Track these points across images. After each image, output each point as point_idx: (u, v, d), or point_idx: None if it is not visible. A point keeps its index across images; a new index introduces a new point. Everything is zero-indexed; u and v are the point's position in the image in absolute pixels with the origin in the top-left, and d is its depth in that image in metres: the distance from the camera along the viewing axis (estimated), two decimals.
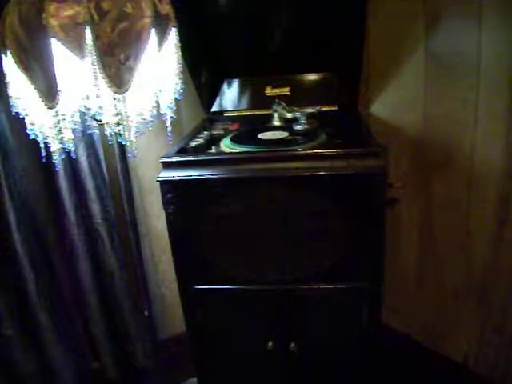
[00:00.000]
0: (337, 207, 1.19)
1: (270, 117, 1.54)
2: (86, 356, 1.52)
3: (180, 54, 1.22)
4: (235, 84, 1.68)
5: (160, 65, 1.09)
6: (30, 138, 1.08)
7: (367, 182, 1.16)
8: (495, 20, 1.31)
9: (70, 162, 1.35)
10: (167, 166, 1.21)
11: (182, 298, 1.33)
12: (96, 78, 0.96)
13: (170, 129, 1.19)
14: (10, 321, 1.36)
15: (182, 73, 1.23)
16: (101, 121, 1.07)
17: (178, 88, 1.22)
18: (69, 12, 0.94)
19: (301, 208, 1.21)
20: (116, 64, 0.99)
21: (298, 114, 1.39)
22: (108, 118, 1.04)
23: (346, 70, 1.54)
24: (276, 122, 1.53)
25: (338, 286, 1.27)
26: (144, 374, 1.56)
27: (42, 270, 1.37)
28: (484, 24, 1.32)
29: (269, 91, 1.65)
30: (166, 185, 1.21)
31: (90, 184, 1.39)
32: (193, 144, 1.35)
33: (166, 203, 1.23)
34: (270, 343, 1.35)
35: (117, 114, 1.03)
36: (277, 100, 1.54)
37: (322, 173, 1.15)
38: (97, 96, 0.98)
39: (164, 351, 1.64)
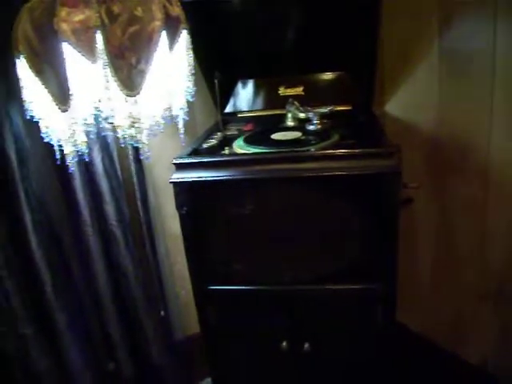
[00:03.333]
0: (350, 208, 1.18)
1: (283, 117, 1.54)
2: (102, 356, 1.54)
3: (191, 55, 1.23)
4: (249, 84, 1.68)
5: (171, 67, 1.09)
6: (45, 141, 1.09)
7: (381, 183, 1.14)
8: (511, 17, 1.28)
9: (85, 164, 1.37)
10: (180, 167, 1.22)
11: (196, 297, 1.33)
12: (107, 81, 0.97)
13: (182, 130, 1.20)
14: (27, 320, 1.38)
15: (193, 74, 1.24)
16: (113, 123, 1.08)
17: (190, 90, 1.23)
18: (80, 17, 0.95)
19: (314, 209, 1.20)
20: (128, 67, 1.00)
21: (310, 114, 1.38)
22: (120, 120, 1.05)
23: (361, 69, 1.52)
24: (290, 123, 1.53)
25: (352, 286, 1.26)
26: (160, 374, 1.57)
27: (58, 271, 1.39)
28: (499, 22, 1.29)
29: (282, 91, 1.64)
30: (178, 186, 1.22)
31: (104, 186, 1.40)
32: (206, 145, 1.35)
33: (179, 204, 1.23)
34: (284, 343, 1.34)
35: (129, 116, 1.03)
36: (290, 100, 1.53)
37: (334, 173, 1.14)
38: (108, 99, 0.99)
39: (180, 351, 1.65)
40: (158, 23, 1.02)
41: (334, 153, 1.17)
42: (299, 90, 1.63)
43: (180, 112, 1.16)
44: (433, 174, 1.60)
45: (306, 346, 1.33)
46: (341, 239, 1.22)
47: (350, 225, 1.20)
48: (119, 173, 1.38)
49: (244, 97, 1.68)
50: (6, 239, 1.30)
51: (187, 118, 1.19)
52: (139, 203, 1.44)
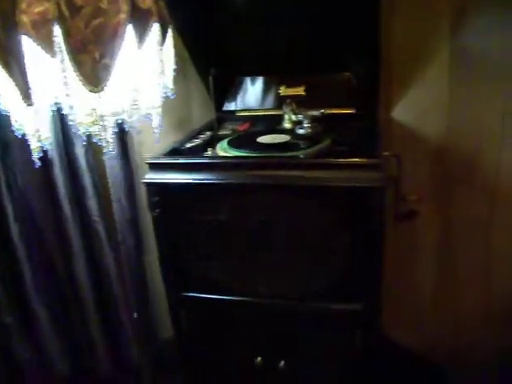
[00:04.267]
0: (332, 221, 1.10)
1: (281, 118, 1.46)
2: (82, 352, 1.53)
3: (172, 51, 1.17)
4: (248, 82, 1.60)
5: (142, 62, 1.04)
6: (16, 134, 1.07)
7: (364, 197, 1.04)
8: None
9: (68, 158, 1.35)
10: (154, 167, 1.16)
11: (169, 303, 1.29)
12: (65, 77, 0.93)
13: (158, 130, 1.15)
14: (9, 309, 1.39)
15: (174, 70, 1.19)
16: (75, 120, 1.04)
17: (170, 87, 1.18)
18: (39, 8, 0.91)
19: (294, 219, 1.12)
20: (91, 62, 0.95)
21: (301, 117, 1.29)
22: (82, 117, 1.01)
23: (364, 70, 1.41)
24: (287, 124, 1.44)
25: (330, 305, 1.17)
26: (139, 374, 1.54)
27: (39, 265, 1.39)
28: None
29: (283, 91, 1.56)
30: (151, 187, 1.17)
31: (87, 180, 1.37)
32: (189, 145, 1.29)
33: (151, 206, 1.18)
34: (259, 359, 1.27)
35: (91, 113, 0.99)
36: (288, 100, 1.45)
37: (314, 183, 1.06)
38: (67, 95, 0.95)
39: (161, 353, 1.62)
40: (123, 16, 0.96)
41: (314, 161, 1.08)
42: (300, 91, 1.53)
43: (154, 111, 1.11)
44: (437, 186, 1.48)
45: (282, 363, 1.26)
46: (321, 254, 1.13)
47: (331, 239, 1.11)
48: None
49: (243, 95, 1.61)
50: None
51: (160, 116, 1.14)
52: (124, 200, 1.40)
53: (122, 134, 1.27)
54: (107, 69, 0.97)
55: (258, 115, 1.58)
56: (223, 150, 1.22)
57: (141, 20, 1.00)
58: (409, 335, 1.67)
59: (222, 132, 1.48)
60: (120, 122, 1.04)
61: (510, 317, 1.37)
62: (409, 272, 1.61)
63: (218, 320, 1.29)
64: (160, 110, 1.15)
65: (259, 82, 1.58)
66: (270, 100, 1.58)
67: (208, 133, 1.40)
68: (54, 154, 1.30)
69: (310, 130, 1.28)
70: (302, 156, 1.14)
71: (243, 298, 1.22)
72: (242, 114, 1.60)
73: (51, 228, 1.39)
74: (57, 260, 1.42)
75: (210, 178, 1.11)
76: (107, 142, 1.03)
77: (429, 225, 1.53)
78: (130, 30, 0.98)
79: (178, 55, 1.45)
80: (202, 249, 1.21)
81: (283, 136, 1.29)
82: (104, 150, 1.03)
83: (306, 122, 1.28)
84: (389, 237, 1.60)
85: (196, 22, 1.40)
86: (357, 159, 1.06)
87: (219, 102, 1.60)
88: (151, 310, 1.59)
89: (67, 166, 1.35)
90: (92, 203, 1.39)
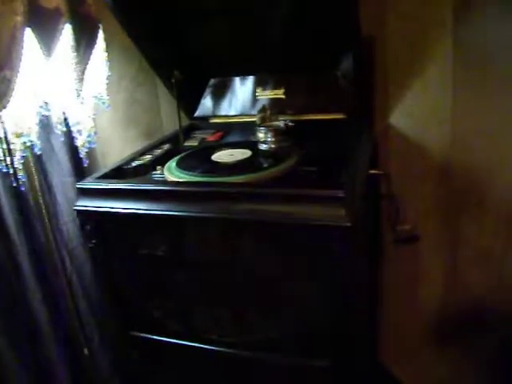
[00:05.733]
0: (289, 262, 0.89)
1: None
2: None
3: (104, 56, 1.00)
4: (222, 85, 1.39)
5: (53, 72, 0.87)
6: None
7: (325, 239, 0.83)
8: None
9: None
10: (84, 193, 0.99)
11: (113, 342, 1.13)
12: None
13: (84, 149, 0.99)
14: None
15: (108, 78, 1.02)
16: None
17: (105, 97, 1.01)
18: None
19: (244, 259, 0.93)
20: None
21: (262, 130, 1.08)
22: None
23: (354, 66, 1.18)
24: (261, 134, 1.24)
25: (292, 359, 0.97)
26: None
27: None
28: None
29: (259, 94, 1.35)
30: (82, 215, 1.00)
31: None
32: (137, 163, 1.11)
33: (85, 236, 1.03)
34: None
35: None
36: (262, 106, 1.25)
37: (258, 219, 0.86)
38: None
39: None
40: (19, 18, 0.79)
41: (261, 191, 0.87)
42: (279, 93, 1.32)
43: (74, 128, 0.94)
44: (442, 210, 1.23)
45: None
46: (273, 302, 0.94)
47: (289, 283, 0.91)
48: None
49: (216, 99, 1.41)
50: None
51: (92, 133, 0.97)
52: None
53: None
54: (7, 83, 0.81)
55: (232, 122, 1.39)
56: (169, 171, 1.03)
57: (44, 22, 0.83)
58: (407, 367, 1.45)
59: (188, 143, 1.30)
60: (29, 144, 0.88)
61: None
62: (408, 303, 1.38)
63: (162, 364, 1.12)
64: (90, 125, 0.98)
65: (234, 84, 1.38)
66: (247, 105, 1.37)
67: (166, 146, 1.22)
68: None
69: (273, 146, 1.07)
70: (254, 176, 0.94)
71: (191, 344, 1.05)
72: (216, 120, 1.41)
73: None
74: None
75: (141, 207, 0.93)
76: (16, 168, 0.88)
77: (432, 252, 1.29)
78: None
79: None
80: (141, 285, 1.04)
81: (243, 152, 1.09)
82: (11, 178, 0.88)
83: (269, 135, 1.07)
84: (387, 261, 1.39)
85: (151, 20, 1.21)
86: (314, 190, 0.83)
87: (191, 108, 1.42)
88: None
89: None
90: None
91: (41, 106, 0.84)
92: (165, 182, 1.00)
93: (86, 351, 1.21)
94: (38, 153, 0.92)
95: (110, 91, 1.04)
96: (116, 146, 1.44)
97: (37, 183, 1.16)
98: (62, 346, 1.30)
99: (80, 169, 1.31)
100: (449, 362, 1.37)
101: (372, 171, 1.15)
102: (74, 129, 0.92)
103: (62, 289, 1.28)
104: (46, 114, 0.86)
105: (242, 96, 1.37)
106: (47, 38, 0.83)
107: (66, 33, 0.85)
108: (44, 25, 0.82)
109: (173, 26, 1.25)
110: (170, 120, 1.47)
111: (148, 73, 1.37)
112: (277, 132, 1.07)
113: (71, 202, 1.23)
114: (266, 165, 1.01)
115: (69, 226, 1.28)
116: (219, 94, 1.40)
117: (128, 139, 1.45)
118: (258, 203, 0.85)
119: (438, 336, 1.39)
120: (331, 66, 1.25)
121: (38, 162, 1.16)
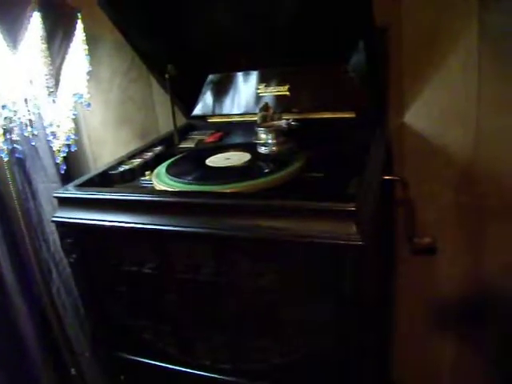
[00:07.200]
0: (288, 285, 0.78)
1: None
2: None
3: (85, 47, 0.90)
4: (222, 82, 1.28)
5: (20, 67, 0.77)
6: None
7: (330, 258, 0.72)
8: None
9: None
10: (63, 202, 0.89)
11: (100, 363, 1.03)
12: None
13: (61, 153, 0.88)
14: None
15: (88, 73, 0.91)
16: None
17: (85, 95, 0.90)
18: None
19: (240, 277, 0.81)
20: None
21: (261, 130, 0.97)
22: None
23: (364, 62, 1.05)
24: (263, 135, 1.12)
25: None
26: None
27: None
28: None
29: (262, 90, 1.24)
30: (62, 227, 0.90)
31: None
32: (125, 167, 1.00)
33: (65, 250, 0.92)
34: None
35: None
36: (264, 104, 1.12)
37: (257, 234, 0.74)
38: None
39: None
40: None
41: (256, 203, 0.76)
42: (283, 90, 1.21)
43: (50, 129, 0.84)
44: (464, 218, 1.11)
45: None
46: (276, 323, 0.82)
47: (290, 306, 0.80)
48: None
49: (215, 97, 1.29)
50: None
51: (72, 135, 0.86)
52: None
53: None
54: None
55: (233, 121, 1.27)
56: (157, 178, 0.93)
57: (8, 10, 0.72)
58: None
59: (184, 145, 1.20)
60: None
61: None
62: (426, 327, 1.26)
63: None
64: (68, 126, 0.87)
65: (234, 80, 1.27)
66: (249, 102, 1.26)
67: (158, 148, 1.12)
68: None
69: (275, 149, 0.95)
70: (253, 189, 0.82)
71: (182, 368, 0.94)
72: (216, 120, 1.30)
73: None
74: None
75: (124, 220, 0.82)
76: None
77: (453, 267, 1.17)
78: None
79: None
80: (130, 305, 0.94)
81: (241, 156, 0.98)
82: None
83: (270, 136, 0.96)
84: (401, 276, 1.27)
85: (141, 9, 1.10)
86: (319, 203, 0.72)
87: (188, 106, 1.31)
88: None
89: None
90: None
91: (4, 106, 0.74)
92: (151, 191, 0.89)
93: (73, 371, 1.12)
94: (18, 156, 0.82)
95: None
96: (108, 147, 1.34)
97: (18, 188, 1.07)
98: (49, 364, 1.21)
99: (69, 174, 1.22)
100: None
101: (386, 177, 1.03)
102: (47, 131, 0.82)
103: (49, 303, 1.19)
104: (11, 115, 0.75)
105: (244, 93, 1.26)
106: (11, 29, 0.73)
107: (36, 22, 0.75)
108: (8, 13, 0.72)
109: (167, 15, 1.14)
110: (166, 120, 1.36)
111: (142, 69, 1.26)
112: (279, 133, 0.96)
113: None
114: (265, 171, 0.90)
115: (55, 236, 1.19)
116: (219, 90, 1.29)
117: (121, 140, 1.35)
118: (253, 217, 0.74)
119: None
120: (340, 59, 1.13)
121: (19, 167, 1.06)
